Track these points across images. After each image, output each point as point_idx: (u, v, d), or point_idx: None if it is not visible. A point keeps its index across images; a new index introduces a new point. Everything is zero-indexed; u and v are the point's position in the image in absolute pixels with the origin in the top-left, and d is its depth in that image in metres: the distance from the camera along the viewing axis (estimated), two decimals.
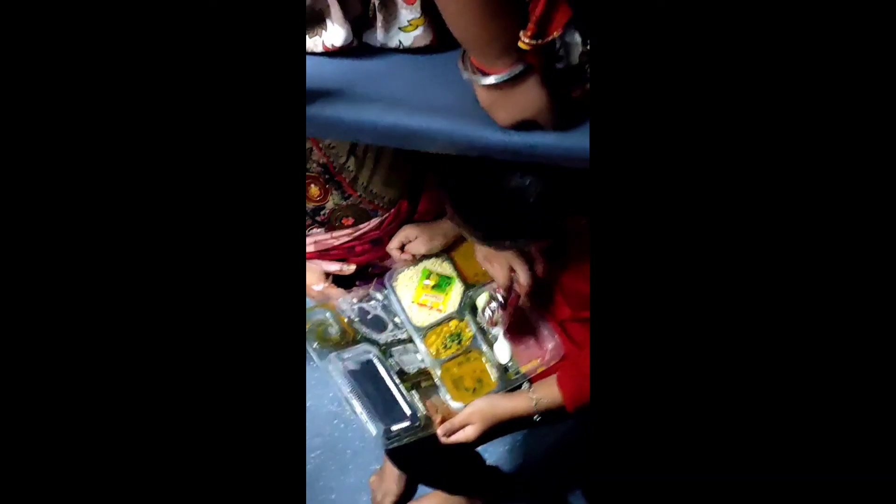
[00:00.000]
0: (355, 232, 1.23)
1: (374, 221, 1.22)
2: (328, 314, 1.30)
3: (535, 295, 1.24)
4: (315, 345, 1.27)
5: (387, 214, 1.22)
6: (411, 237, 1.26)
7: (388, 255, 1.28)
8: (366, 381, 1.26)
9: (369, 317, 1.30)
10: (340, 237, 1.23)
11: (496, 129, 0.78)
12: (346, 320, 1.29)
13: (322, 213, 1.19)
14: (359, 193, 1.15)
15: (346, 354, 1.27)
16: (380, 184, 1.16)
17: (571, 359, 1.22)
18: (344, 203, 1.17)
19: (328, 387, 1.80)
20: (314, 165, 1.10)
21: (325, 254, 1.26)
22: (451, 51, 0.85)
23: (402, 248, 1.27)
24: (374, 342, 1.28)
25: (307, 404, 1.83)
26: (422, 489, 1.70)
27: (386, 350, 1.27)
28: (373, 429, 1.23)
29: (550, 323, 1.27)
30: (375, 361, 1.27)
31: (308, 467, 1.76)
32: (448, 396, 1.23)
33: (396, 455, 1.38)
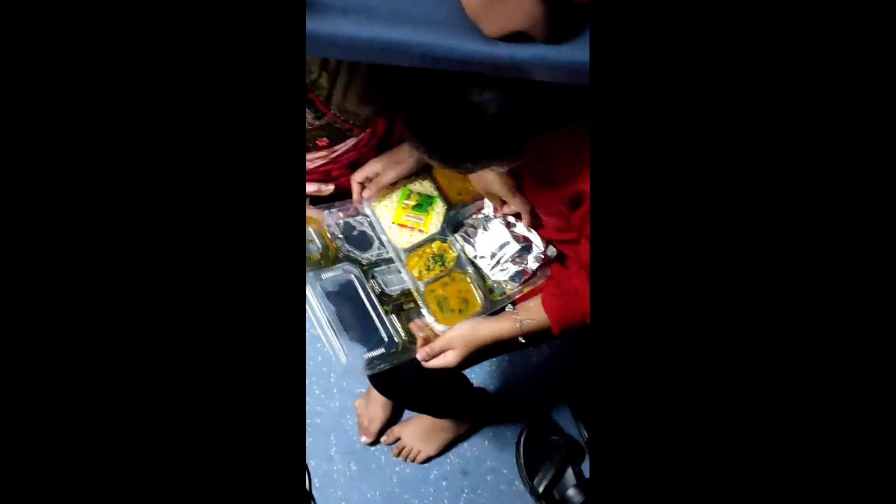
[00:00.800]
0: (331, 154, 1.17)
1: (350, 142, 1.16)
2: (310, 230, 1.24)
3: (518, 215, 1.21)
4: None
5: (363, 134, 1.16)
6: (377, 170, 1.21)
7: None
8: (344, 304, 1.21)
9: (355, 233, 1.26)
10: (315, 160, 1.17)
11: (482, 41, 0.73)
12: (329, 236, 1.24)
13: None
14: (333, 112, 1.09)
15: (326, 275, 1.21)
16: (355, 101, 1.08)
17: (556, 279, 1.19)
18: (317, 122, 1.10)
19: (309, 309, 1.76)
20: None
21: None
22: None
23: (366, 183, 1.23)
24: (356, 261, 1.23)
25: None
26: (409, 412, 1.69)
27: (368, 270, 1.23)
28: (343, 357, 1.17)
29: None
30: (356, 283, 1.22)
31: None
32: (432, 319, 1.20)
33: (379, 381, 1.35)
